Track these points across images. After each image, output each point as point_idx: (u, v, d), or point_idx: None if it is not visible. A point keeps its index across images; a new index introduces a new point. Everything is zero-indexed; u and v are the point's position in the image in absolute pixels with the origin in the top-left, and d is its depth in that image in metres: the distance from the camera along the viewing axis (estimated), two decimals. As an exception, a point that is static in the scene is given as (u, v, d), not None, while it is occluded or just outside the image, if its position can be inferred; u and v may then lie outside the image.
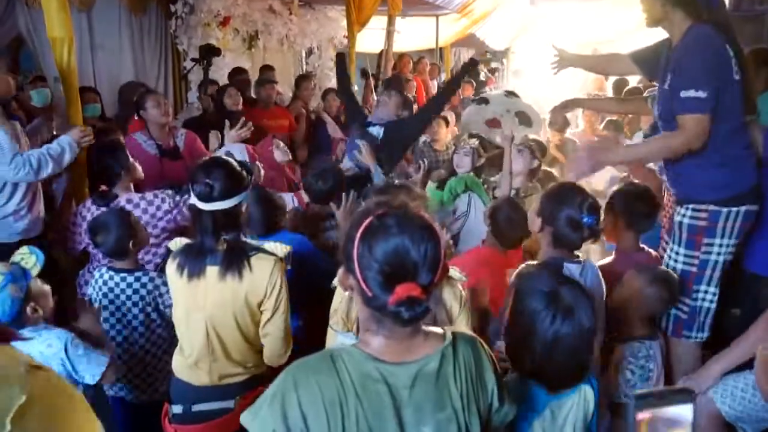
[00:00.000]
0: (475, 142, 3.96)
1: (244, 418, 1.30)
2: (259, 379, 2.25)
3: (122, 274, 2.73)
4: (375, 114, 4.23)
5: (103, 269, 2.76)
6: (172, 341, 2.60)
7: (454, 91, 4.13)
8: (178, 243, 2.26)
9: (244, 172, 2.20)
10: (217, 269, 2.12)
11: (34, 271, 2.27)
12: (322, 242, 3.15)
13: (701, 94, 2.41)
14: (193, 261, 2.15)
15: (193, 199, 2.13)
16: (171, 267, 2.20)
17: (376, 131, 4.05)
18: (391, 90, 4.26)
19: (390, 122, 4.06)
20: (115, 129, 4.53)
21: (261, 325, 2.20)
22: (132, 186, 3.39)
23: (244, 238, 2.22)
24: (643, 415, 0.71)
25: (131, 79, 6.24)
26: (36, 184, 3.50)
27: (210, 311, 2.16)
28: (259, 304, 2.16)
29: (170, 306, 2.46)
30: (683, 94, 2.44)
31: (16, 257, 2.27)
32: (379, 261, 1.18)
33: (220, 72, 6.45)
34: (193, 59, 6.25)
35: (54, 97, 4.10)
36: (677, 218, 2.73)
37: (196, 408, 2.21)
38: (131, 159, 3.37)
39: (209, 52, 6.02)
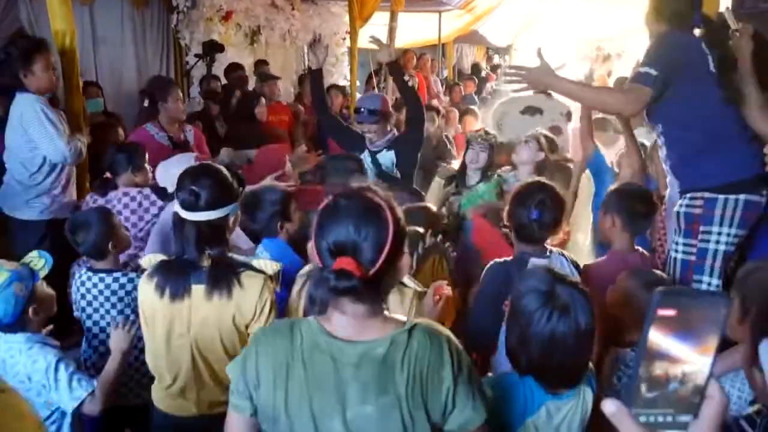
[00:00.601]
0: (491, 137, 3.88)
1: (228, 368, 1.42)
2: None
3: (100, 275, 2.60)
4: (373, 141, 3.79)
5: (83, 269, 2.67)
6: None
7: (415, 95, 3.95)
8: (151, 260, 2.07)
9: (235, 183, 2.05)
10: (203, 288, 1.93)
11: (42, 273, 2.25)
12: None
13: (651, 71, 2.52)
14: (176, 279, 1.95)
15: (177, 208, 1.97)
16: (147, 287, 1.99)
17: (390, 157, 3.76)
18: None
19: (396, 142, 3.79)
20: (117, 123, 4.53)
21: None
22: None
23: (230, 254, 2.04)
24: (665, 312, 0.66)
25: (133, 74, 6.24)
26: (71, 169, 3.61)
27: (195, 334, 1.97)
28: (247, 326, 1.98)
29: None
30: (639, 69, 2.58)
31: (27, 259, 2.26)
32: (326, 237, 1.28)
33: (222, 67, 6.44)
34: (196, 55, 6.25)
35: None
36: (676, 209, 2.74)
37: None
38: (146, 164, 3.38)
39: (212, 48, 6.02)
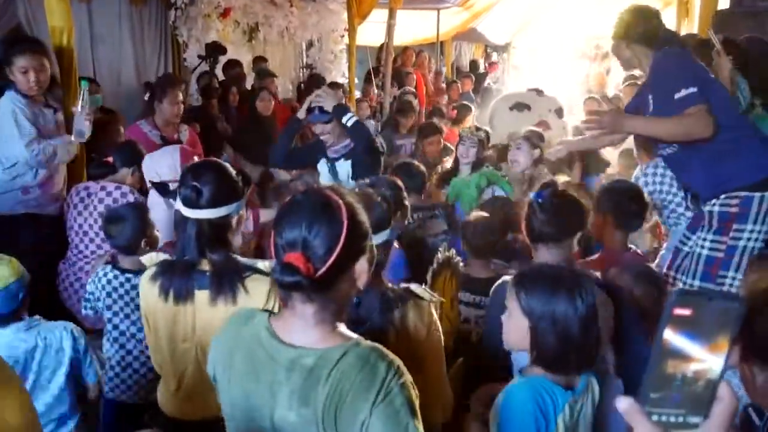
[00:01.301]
0: (481, 133, 3.95)
1: None
2: None
3: (127, 275, 2.59)
4: (331, 146, 3.55)
5: (107, 267, 2.64)
6: None
7: (368, 136, 3.60)
8: (154, 258, 1.98)
9: (240, 181, 1.96)
10: (207, 293, 1.85)
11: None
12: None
13: (692, 89, 2.57)
14: (179, 282, 1.87)
15: (178, 205, 1.90)
16: (150, 288, 1.91)
17: (347, 168, 3.51)
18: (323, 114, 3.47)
19: (354, 153, 3.50)
20: (116, 120, 4.53)
21: None
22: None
23: (235, 256, 1.94)
24: (681, 311, 0.66)
25: (131, 71, 6.23)
26: (56, 165, 3.54)
27: (199, 339, 1.90)
28: None
29: None
30: (676, 96, 2.59)
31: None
32: (281, 233, 1.27)
33: (220, 64, 6.43)
34: (199, 56, 6.23)
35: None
36: (707, 208, 2.79)
37: None
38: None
39: (215, 50, 6.00)
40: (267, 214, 3.34)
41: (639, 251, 2.93)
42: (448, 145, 5.21)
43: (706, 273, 2.71)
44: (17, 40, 3.55)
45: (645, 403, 0.69)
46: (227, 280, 1.85)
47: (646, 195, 2.95)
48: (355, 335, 1.29)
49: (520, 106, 5.23)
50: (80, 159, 3.74)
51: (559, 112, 5.21)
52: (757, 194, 2.64)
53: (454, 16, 10.58)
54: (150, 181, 3.09)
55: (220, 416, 1.87)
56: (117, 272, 2.61)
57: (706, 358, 0.68)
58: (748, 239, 2.66)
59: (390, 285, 1.85)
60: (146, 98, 4.22)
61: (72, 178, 3.73)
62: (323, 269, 1.22)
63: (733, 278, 2.68)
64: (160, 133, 4.05)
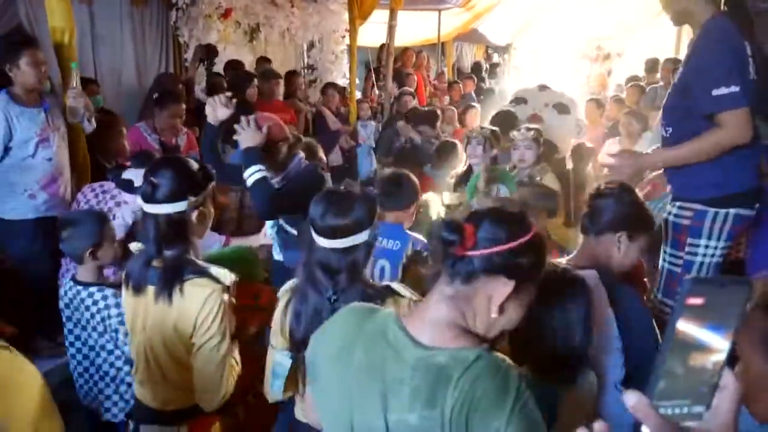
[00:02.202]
0: (487, 131, 3.91)
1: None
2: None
3: (78, 287, 2.52)
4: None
5: (68, 278, 2.59)
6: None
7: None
8: (136, 247, 2.04)
9: (201, 176, 1.94)
10: (153, 289, 1.89)
11: None
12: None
13: (734, 88, 2.34)
14: (138, 274, 1.93)
15: (138, 200, 1.92)
16: (123, 276, 2.01)
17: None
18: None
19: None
20: (117, 122, 4.53)
21: (192, 355, 1.92)
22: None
23: (191, 257, 1.93)
24: (694, 300, 0.66)
25: (132, 71, 6.23)
26: (57, 168, 3.54)
27: (148, 332, 1.95)
28: (190, 336, 1.89)
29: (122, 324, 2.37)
30: (715, 92, 2.36)
31: None
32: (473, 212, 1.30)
33: (221, 65, 6.43)
34: (201, 59, 6.23)
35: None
36: (665, 215, 2.69)
37: (144, 429, 2.04)
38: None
39: (209, 53, 6.01)
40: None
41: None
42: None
43: (668, 288, 2.64)
44: (19, 37, 3.55)
45: (653, 397, 0.69)
46: (170, 280, 1.86)
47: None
48: (483, 343, 1.25)
49: (518, 101, 5.31)
50: (85, 161, 3.75)
51: (560, 108, 5.19)
52: (711, 210, 2.51)
53: (455, 17, 10.58)
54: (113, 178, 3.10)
55: (167, 408, 1.99)
56: (71, 284, 2.54)
57: (708, 347, 0.67)
58: (704, 255, 2.54)
59: (371, 282, 1.89)
60: (154, 97, 4.25)
61: (78, 181, 3.74)
62: (477, 251, 1.21)
63: None
64: (159, 137, 4.11)
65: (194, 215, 1.93)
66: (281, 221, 2.98)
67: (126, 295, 1.99)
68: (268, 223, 3.21)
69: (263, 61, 7.10)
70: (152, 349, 1.95)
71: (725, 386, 0.69)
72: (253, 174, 2.66)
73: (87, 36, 5.75)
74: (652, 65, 7.81)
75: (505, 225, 1.23)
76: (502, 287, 1.23)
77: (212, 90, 5.87)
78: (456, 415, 1.14)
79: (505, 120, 4.81)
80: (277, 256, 3.16)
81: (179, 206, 1.87)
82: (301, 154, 3.00)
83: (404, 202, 2.78)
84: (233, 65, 6.25)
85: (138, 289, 1.93)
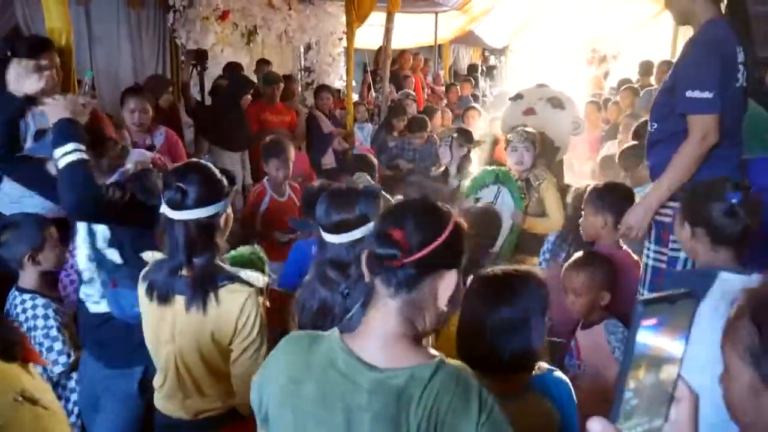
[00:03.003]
0: (453, 131, 4.01)
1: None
2: (239, 413, 2.01)
3: (17, 293, 2.46)
4: None
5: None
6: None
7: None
8: (152, 256, 1.98)
9: (225, 180, 1.95)
10: (183, 298, 1.86)
11: None
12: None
13: (707, 94, 2.41)
14: (163, 284, 1.89)
15: (164, 208, 1.87)
16: (141, 285, 1.96)
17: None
18: None
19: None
20: (109, 124, 4.52)
21: (231, 363, 1.92)
22: None
23: (218, 262, 1.92)
24: (648, 322, 0.67)
25: (129, 73, 6.22)
26: None
27: (179, 343, 1.91)
28: (229, 342, 1.89)
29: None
30: (689, 93, 2.44)
31: None
32: (384, 222, 1.28)
33: (218, 67, 6.42)
34: (192, 64, 6.22)
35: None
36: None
37: None
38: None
39: (199, 57, 6.01)
40: None
41: (631, 252, 2.94)
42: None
43: (654, 284, 2.67)
44: (36, 38, 3.53)
45: (617, 420, 0.70)
46: (200, 288, 1.84)
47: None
48: (437, 352, 1.24)
49: (516, 97, 5.36)
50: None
51: (554, 102, 5.20)
52: None
53: (452, 19, 10.59)
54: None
55: (198, 419, 1.93)
56: (16, 293, 2.48)
57: (671, 359, 0.69)
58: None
59: None
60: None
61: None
62: (417, 254, 1.20)
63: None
64: (131, 138, 4.02)
65: (221, 220, 1.93)
66: (106, 247, 2.25)
67: (147, 306, 1.93)
68: (83, 254, 2.29)
69: (263, 63, 7.10)
70: (183, 358, 1.91)
71: (682, 398, 0.70)
72: (68, 154, 2.02)
73: (84, 38, 5.75)
74: (645, 68, 7.82)
75: (429, 221, 1.24)
76: (447, 280, 1.25)
77: (213, 94, 5.90)
78: None
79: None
80: (95, 305, 2.30)
81: (209, 210, 1.86)
82: (129, 166, 2.37)
83: None
84: (232, 67, 6.25)
85: (164, 299, 1.88)
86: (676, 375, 0.70)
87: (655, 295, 0.69)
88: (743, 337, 1.00)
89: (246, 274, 1.90)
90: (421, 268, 1.22)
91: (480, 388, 1.19)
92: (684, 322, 0.69)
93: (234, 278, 1.88)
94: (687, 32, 2.70)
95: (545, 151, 4.02)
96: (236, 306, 1.84)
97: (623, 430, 0.70)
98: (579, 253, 2.67)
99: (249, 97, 5.44)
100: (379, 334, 1.23)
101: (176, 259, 1.87)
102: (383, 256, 1.20)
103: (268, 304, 1.96)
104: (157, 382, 2.03)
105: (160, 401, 2.04)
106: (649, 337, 0.68)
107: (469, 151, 3.91)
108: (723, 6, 2.59)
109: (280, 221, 3.65)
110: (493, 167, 3.77)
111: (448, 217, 1.27)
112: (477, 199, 3.57)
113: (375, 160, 4.05)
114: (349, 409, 1.18)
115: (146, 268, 1.96)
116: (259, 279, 1.90)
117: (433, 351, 1.26)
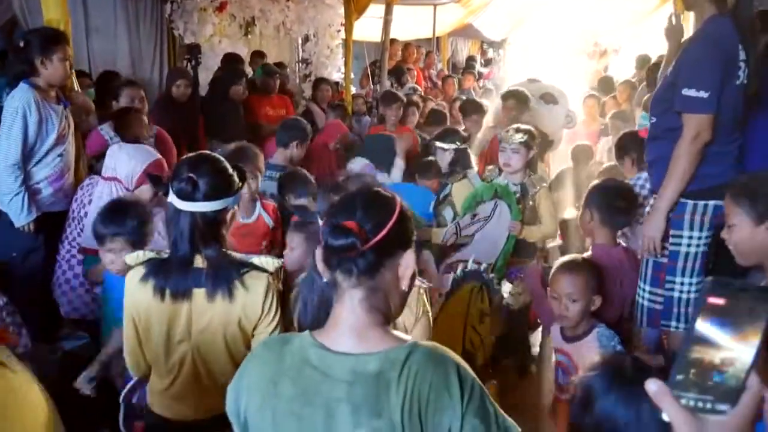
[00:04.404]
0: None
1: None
2: None
3: None
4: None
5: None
6: None
7: None
8: (140, 256, 1.90)
9: (236, 175, 1.92)
10: (204, 291, 1.81)
11: None
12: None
13: (703, 93, 2.41)
14: (177, 280, 1.82)
15: (172, 197, 1.83)
16: (141, 288, 1.84)
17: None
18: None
19: None
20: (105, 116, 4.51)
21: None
22: None
23: (228, 252, 1.90)
24: (715, 300, 0.68)
25: (127, 64, 6.19)
26: (66, 162, 3.52)
27: (196, 340, 1.86)
28: (254, 328, 1.87)
29: None
30: (685, 91, 2.44)
31: None
32: (333, 214, 1.29)
33: (216, 58, 6.39)
34: (185, 58, 6.18)
35: None
36: (647, 209, 2.74)
37: None
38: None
39: (192, 52, 5.98)
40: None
41: (626, 246, 2.95)
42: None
43: (655, 278, 2.68)
44: (51, 30, 3.49)
45: (673, 387, 0.71)
46: (224, 276, 1.81)
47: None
48: (402, 334, 1.27)
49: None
50: (78, 156, 3.72)
51: (547, 97, 5.22)
52: (690, 201, 2.56)
53: (451, 12, 10.56)
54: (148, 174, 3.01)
55: (207, 416, 1.86)
56: None
57: (733, 348, 0.69)
58: (689, 245, 2.59)
59: None
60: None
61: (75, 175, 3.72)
62: (375, 239, 1.21)
63: (682, 284, 2.62)
64: (122, 136, 3.96)
65: (228, 215, 1.90)
66: None
67: (156, 308, 1.84)
68: None
69: (257, 55, 7.09)
70: (201, 355, 1.87)
71: (749, 387, 0.71)
72: None
73: (81, 28, 5.72)
74: (643, 62, 7.80)
75: (378, 205, 1.26)
76: (405, 260, 1.27)
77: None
78: (407, 417, 1.14)
79: (518, 99, 4.83)
80: None
81: (219, 204, 1.83)
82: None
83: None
84: (231, 58, 6.23)
85: (182, 295, 1.82)
86: (747, 364, 0.70)
87: (726, 279, 0.70)
88: None
89: (258, 259, 1.89)
90: (380, 252, 1.23)
91: (457, 364, 1.20)
92: (757, 316, 0.69)
93: (249, 265, 1.87)
94: (686, 26, 2.69)
95: (542, 151, 4.02)
96: (261, 290, 1.84)
97: (681, 398, 0.70)
98: (567, 258, 2.61)
99: (241, 88, 5.37)
100: (348, 326, 1.23)
101: (182, 251, 1.83)
102: (341, 247, 1.20)
103: (281, 287, 1.98)
104: (159, 385, 1.97)
105: (166, 403, 1.97)
106: (715, 317, 0.69)
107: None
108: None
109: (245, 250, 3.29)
110: (492, 182, 3.61)
111: (393, 198, 1.30)
112: (474, 215, 3.47)
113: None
114: (327, 404, 1.18)
115: (139, 272, 1.87)
116: (269, 263, 1.89)
117: (404, 335, 1.27)
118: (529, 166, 3.59)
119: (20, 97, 3.26)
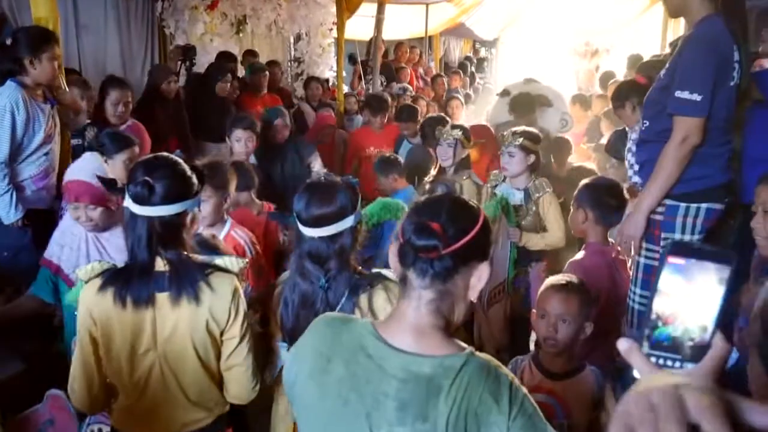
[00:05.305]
0: (458, 132, 3.72)
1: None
2: (225, 419, 1.92)
3: None
4: None
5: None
6: None
7: None
8: (94, 269, 1.81)
9: (194, 178, 1.85)
10: (167, 295, 1.74)
11: None
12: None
13: (696, 96, 2.39)
14: (138, 286, 1.74)
15: (128, 202, 1.77)
16: (97, 300, 1.77)
17: None
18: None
19: None
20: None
21: (224, 357, 1.84)
22: None
23: (190, 255, 1.83)
24: (675, 260, 0.70)
25: (117, 62, 6.15)
26: (52, 162, 3.50)
27: (163, 348, 1.78)
28: (222, 333, 1.81)
29: None
30: (677, 93, 2.42)
31: None
32: (418, 214, 1.29)
33: (208, 57, 6.36)
34: (179, 59, 6.15)
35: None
36: (628, 209, 2.74)
37: None
38: None
39: (187, 53, 5.95)
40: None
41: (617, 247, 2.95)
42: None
43: (645, 281, 2.67)
44: (40, 29, 3.47)
45: (642, 344, 0.72)
46: (188, 278, 1.76)
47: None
48: (467, 345, 1.26)
49: (503, 93, 5.40)
50: (66, 153, 3.70)
51: (541, 100, 5.21)
52: (682, 204, 2.55)
53: (443, 11, 10.57)
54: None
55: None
56: None
57: (697, 307, 0.71)
58: None
59: (360, 269, 1.94)
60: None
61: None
62: (456, 245, 1.21)
63: None
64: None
65: (188, 218, 1.84)
66: None
67: (118, 317, 1.76)
68: None
69: (249, 54, 7.06)
70: (169, 365, 1.80)
71: (714, 344, 0.72)
72: None
73: (71, 26, 5.68)
74: (634, 62, 7.82)
75: (462, 214, 1.27)
76: (480, 271, 1.27)
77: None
78: (452, 425, 1.14)
79: (524, 103, 4.79)
80: None
81: (176, 207, 1.77)
82: None
83: None
84: (224, 56, 6.20)
85: (145, 302, 1.75)
86: (709, 324, 0.71)
87: (686, 242, 0.71)
88: (755, 333, 1.02)
89: (222, 260, 1.84)
90: (457, 259, 1.23)
91: (510, 380, 1.20)
92: (717, 277, 0.70)
93: (212, 266, 1.82)
94: (676, 26, 2.68)
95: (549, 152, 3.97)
96: (228, 291, 1.80)
97: (651, 356, 0.72)
98: (561, 276, 2.35)
99: (227, 85, 5.32)
100: (410, 324, 1.24)
101: (140, 257, 1.77)
102: (422, 247, 1.21)
103: (245, 286, 1.96)
104: (125, 401, 1.88)
105: (132, 419, 1.88)
106: (679, 276, 0.70)
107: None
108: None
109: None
110: (498, 198, 3.35)
111: (478, 210, 1.30)
112: None
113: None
114: (375, 395, 1.19)
115: (95, 284, 1.79)
116: (233, 263, 1.85)
117: (463, 344, 1.26)
118: (533, 170, 3.43)
119: (8, 95, 3.25)
